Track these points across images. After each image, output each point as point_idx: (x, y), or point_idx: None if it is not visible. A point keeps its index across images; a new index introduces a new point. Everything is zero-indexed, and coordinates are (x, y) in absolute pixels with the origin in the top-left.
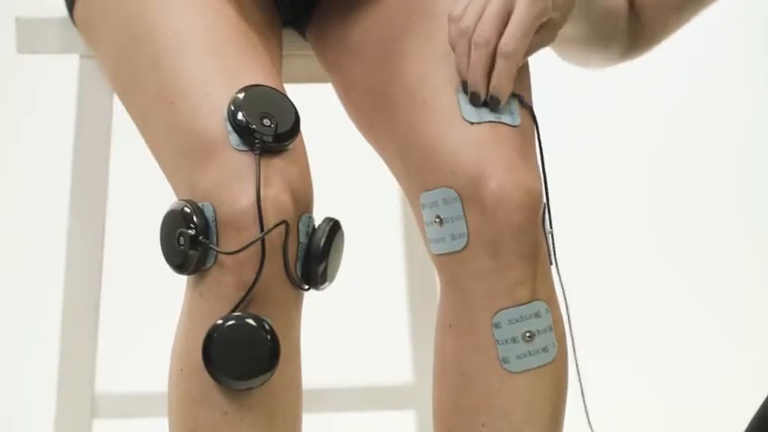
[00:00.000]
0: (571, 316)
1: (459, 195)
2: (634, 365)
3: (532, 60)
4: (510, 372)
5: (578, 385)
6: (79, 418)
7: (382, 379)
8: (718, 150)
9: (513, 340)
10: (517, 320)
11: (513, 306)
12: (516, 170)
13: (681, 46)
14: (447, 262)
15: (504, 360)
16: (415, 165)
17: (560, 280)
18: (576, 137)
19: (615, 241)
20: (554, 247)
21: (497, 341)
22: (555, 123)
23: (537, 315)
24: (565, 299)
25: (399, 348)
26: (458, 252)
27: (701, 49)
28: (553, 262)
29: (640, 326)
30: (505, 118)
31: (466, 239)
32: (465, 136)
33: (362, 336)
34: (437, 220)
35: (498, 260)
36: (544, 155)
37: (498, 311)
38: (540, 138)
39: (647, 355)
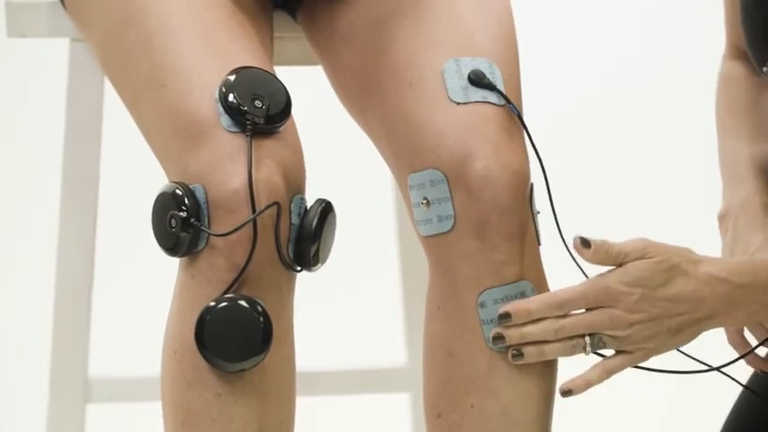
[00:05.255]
0: None
1: (445, 177)
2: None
3: (527, 54)
4: (497, 352)
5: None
6: (73, 402)
7: (376, 362)
8: (715, 141)
9: None
10: (502, 300)
11: (497, 285)
12: (502, 150)
13: (675, 40)
14: (434, 243)
15: (490, 340)
16: (403, 146)
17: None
18: (574, 129)
19: (612, 233)
20: (559, 229)
21: (482, 321)
22: (551, 115)
23: (522, 294)
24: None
25: (393, 331)
26: (445, 233)
27: (698, 45)
28: (541, 242)
29: None
30: (492, 97)
31: (453, 221)
32: (451, 117)
33: (356, 319)
34: (424, 201)
35: (484, 241)
36: (531, 137)
37: (483, 291)
38: (525, 125)
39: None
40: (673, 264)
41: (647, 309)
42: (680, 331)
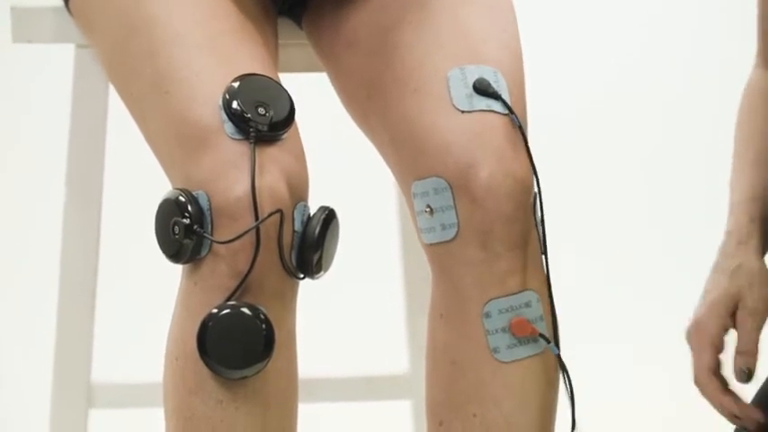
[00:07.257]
0: (571, 309)
1: (449, 185)
2: (634, 358)
3: (528, 54)
4: (501, 361)
5: (567, 379)
6: (75, 407)
7: (378, 369)
8: (716, 141)
9: (504, 330)
10: (507, 310)
11: (503, 296)
12: (507, 159)
13: (676, 41)
14: (438, 252)
15: (495, 350)
16: (407, 154)
17: (547, 268)
18: (575, 131)
19: (613, 233)
20: (544, 237)
21: (487, 331)
22: (553, 117)
23: (527, 305)
24: (550, 289)
25: (395, 338)
26: (448, 242)
27: (696, 43)
28: (544, 251)
29: (640, 319)
30: (496, 105)
31: (456, 229)
32: (456, 125)
33: (358, 326)
34: (428, 209)
35: (488, 250)
36: (530, 149)
37: (489, 301)
38: (526, 136)
39: (648, 348)
40: None
41: None
42: None
